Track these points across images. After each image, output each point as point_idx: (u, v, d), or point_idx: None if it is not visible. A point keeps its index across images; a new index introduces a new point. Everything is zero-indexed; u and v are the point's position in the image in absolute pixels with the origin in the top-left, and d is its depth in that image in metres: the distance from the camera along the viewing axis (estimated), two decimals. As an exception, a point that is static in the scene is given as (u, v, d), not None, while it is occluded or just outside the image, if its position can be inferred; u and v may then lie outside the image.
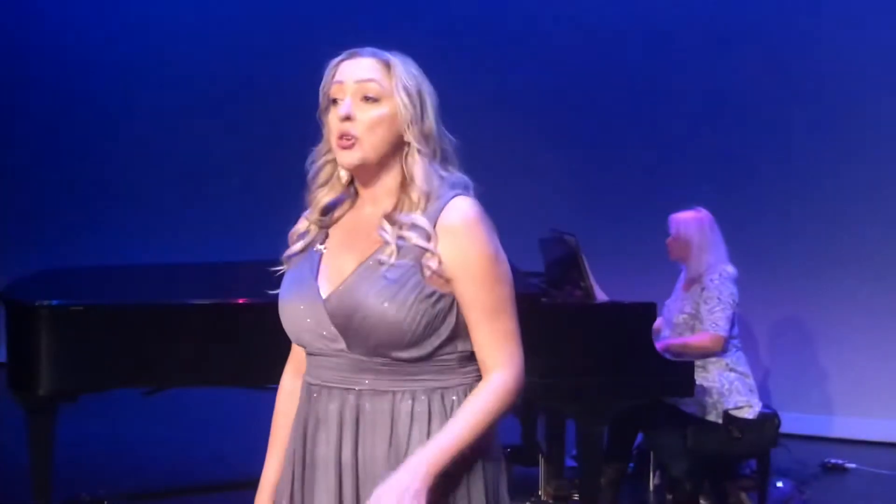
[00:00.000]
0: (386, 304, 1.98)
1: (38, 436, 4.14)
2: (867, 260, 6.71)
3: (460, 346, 2.06)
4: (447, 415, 2.03)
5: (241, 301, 4.14)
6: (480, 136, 7.33)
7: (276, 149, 6.26)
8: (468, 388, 2.06)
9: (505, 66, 7.55)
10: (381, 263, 2.01)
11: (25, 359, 4.01)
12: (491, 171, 8.47)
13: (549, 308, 4.41)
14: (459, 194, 2.05)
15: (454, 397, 2.05)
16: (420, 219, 2.01)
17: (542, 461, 5.24)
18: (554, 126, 7.48)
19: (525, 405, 5.47)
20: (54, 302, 4.05)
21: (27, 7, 9.05)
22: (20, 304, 4.09)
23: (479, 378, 2.07)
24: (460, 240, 2.01)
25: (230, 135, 8.18)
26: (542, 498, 5.05)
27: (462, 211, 2.03)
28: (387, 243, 2.02)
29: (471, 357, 2.08)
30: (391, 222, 2.03)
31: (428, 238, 2.01)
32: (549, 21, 7.50)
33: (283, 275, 2.17)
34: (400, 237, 2.01)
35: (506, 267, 2.08)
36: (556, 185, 7.35)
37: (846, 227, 6.78)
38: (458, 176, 2.09)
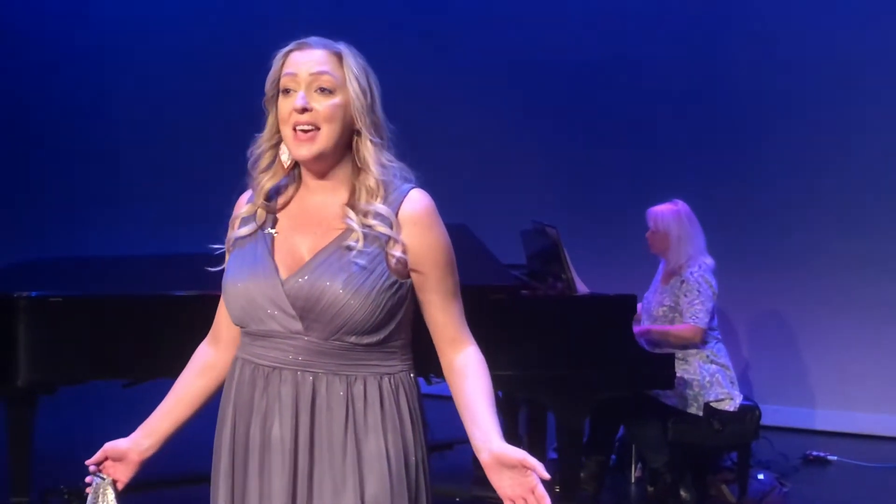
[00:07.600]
0: (353, 292, 2.02)
1: (16, 427, 4.13)
2: (848, 252, 6.73)
3: (404, 334, 2.15)
4: (395, 398, 2.11)
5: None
6: (464, 129, 7.42)
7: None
8: (406, 374, 2.15)
9: (488, 59, 7.53)
10: (349, 249, 2.05)
11: (4, 350, 3.98)
12: (474, 163, 8.45)
13: (529, 300, 4.41)
14: (414, 186, 2.13)
15: (398, 382, 2.12)
16: (382, 207, 2.07)
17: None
18: (536, 119, 7.47)
19: (507, 398, 5.47)
20: (32, 293, 4.03)
21: (21, 3, 9.02)
22: (-2, 295, 4.06)
23: (413, 364, 2.17)
24: (424, 230, 2.10)
25: (222, 128, 8.13)
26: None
27: (422, 203, 2.11)
28: (353, 230, 2.06)
29: (408, 345, 2.17)
30: (354, 210, 2.07)
31: (391, 226, 2.07)
32: (536, 14, 7.49)
33: (223, 254, 2.19)
34: (364, 225, 2.06)
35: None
36: (537, 177, 7.35)
37: (829, 221, 6.79)
38: (401, 165, 2.14)
